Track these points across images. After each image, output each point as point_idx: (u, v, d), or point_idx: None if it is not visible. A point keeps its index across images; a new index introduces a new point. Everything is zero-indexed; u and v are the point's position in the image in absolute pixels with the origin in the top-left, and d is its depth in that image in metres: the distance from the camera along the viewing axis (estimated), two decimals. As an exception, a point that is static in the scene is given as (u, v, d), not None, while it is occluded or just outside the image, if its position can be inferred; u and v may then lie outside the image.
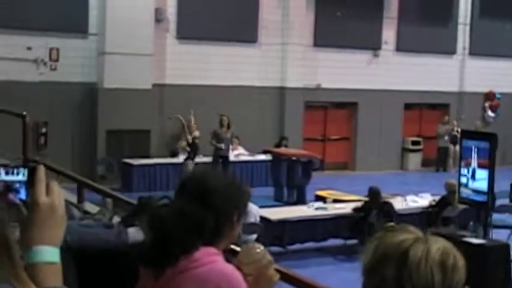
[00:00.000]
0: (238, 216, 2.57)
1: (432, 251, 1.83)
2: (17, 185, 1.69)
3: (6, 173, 1.69)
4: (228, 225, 2.54)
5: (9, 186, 1.68)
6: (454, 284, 1.84)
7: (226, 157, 17.96)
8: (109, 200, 6.04)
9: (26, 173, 1.69)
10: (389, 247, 1.86)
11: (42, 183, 1.67)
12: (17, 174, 1.69)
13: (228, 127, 18.15)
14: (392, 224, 1.96)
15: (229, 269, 2.45)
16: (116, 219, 4.03)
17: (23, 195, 1.68)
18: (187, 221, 2.44)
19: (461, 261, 1.87)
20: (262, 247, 2.73)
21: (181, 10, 20.03)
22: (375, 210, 12.46)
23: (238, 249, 2.88)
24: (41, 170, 1.69)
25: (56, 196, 1.68)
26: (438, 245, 1.86)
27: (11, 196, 1.69)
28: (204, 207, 2.48)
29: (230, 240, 2.60)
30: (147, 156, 18.68)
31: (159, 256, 2.44)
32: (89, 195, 7.07)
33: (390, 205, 12.91)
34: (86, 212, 4.84)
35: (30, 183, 1.67)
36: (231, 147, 18.59)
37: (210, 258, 2.42)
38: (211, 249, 2.46)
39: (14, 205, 1.68)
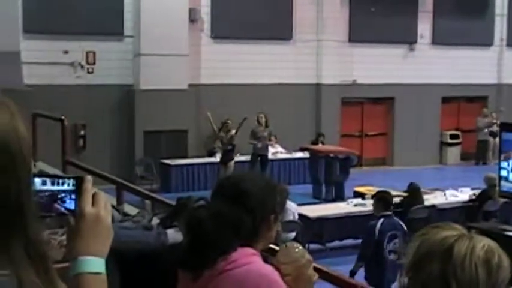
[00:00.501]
0: (275, 217, 2.57)
1: (477, 248, 1.84)
2: (63, 195, 1.70)
3: (52, 183, 1.70)
4: (265, 226, 2.54)
5: (55, 196, 1.70)
6: (498, 283, 1.83)
7: (265, 155, 17.95)
8: (148, 202, 6.08)
9: (72, 183, 1.70)
10: (434, 243, 1.86)
11: (88, 193, 1.68)
12: (63, 184, 1.70)
13: (266, 125, 18.13)
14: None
15: (268, 269, 2.45)
16: (155, 221, 4.06)
17: (70, 205, 1.69)
18: (224, 223, 2.46)
19: (506, 261, 1.86)
20: (300, 246, 2.73)
21: (215, 10, 20.09)
22: (416, 205, 12.37)
23: (277, 248, 2.88)
24: (88, 181, 1.70)
25: (102, 207, 1.68)
26: (483, 242, 1.86)
27: (57, 206, 1.70)
28: (240, 208, 2.49)
29: (268, 241, 2.60)
30: (185, 156, 18.77)
31: (196, 258, 2.46)
32: (128, 197, 7.13)
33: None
34: (125, 214, 4.87)
35: (78, 194, 1.69)
36: (269, 145, 18.55)
37: (247, 259, 2.43)
38: (249, 250, 2.47)
39: (61, 215, 1.69)
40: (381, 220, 8.88)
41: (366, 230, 9.10)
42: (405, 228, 9.06)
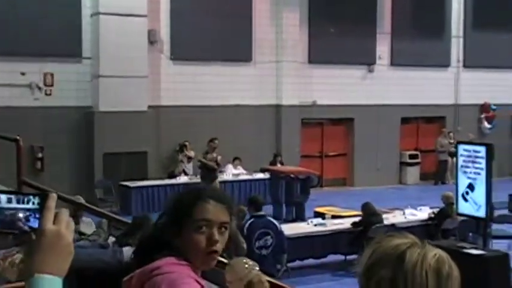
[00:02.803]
0: (196, 226, 2.50)
1: (428, 257, 1.84)
2: (28, 213, 1.68)
3: (18, 201, 1.68)
4: (185, 235, 2.50)
5: (18, 214, 1.68)
6: None
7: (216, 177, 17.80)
8: (104, 221, 6.02)
9: (37, 202, 1.68)
10: (387, 250, 1.87)
11: (50, 211, 1.65)
12: (28, 202, 1.69)
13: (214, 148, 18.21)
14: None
15: (180, 278, 2.39)
16: (111, 239, 4.02)
17: (34, 223, 1.67)
18: (153, 233, 2.56)
19: (456, 271, 1.88)
20: (250, 262, 2.66)
21: (174, 31, 20.09)
22: (375, 224, 12.44)
23: (226, 261, 2.80)
24: (51, 199, 1.68)
25: (64, 225, 1.65)
26: (434, 252, 1.87)
27: (20, 224, 1.67)
28: (166, 218, 2.56)
29: (198, 251, 2.50)
30: (145, 178, 18.65)
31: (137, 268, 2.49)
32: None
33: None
34: (81, 233, 4.83)
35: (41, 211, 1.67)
36: (225, 167, 18.64)
37: (169, 268, 2.40)
38: (175, 259, 2.44)
39: (24, 233, 1.67)
40: (251, 220, 10.13)
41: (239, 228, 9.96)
42: (279, 226, 10.56)
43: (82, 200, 7.69)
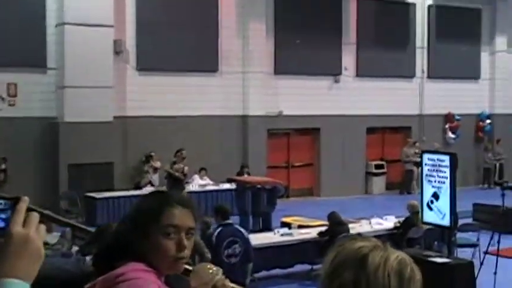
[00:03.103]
0: (164, 231, 2.48)
1: (390, 259, 1.84)
2: None
3: None
4: (152, 240, 2.47)
5: None
6: None
7: (183, 188, 17.77)
8: (68, 230, 5.96)
9: (5, 203, 1.66)
10: (349, 253, 1.87)
11: (19, 214, 1.62)
12: None
13: (183, 159, 18.22)
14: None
15: (145, 284, 2.36)
16: (75, 249, 3.98)
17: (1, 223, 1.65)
18: (114, 240, 2.50)
19: (418, 274, 1.87)
20: (214, 267, 2.65)
21: (140, 42, 20.04)
22: (341, 233, 12.47)
23: (190, 268, 2.79)
24: (23, 201, 1.65)
25: (33, 228, 1.62)
26: (397, 254, 1.88)
27: None
28: (131, 224, 2.52)
29: (167, 257, 2.48)
30: (111, 189, 18.52)
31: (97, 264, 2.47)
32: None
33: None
34: (45, 243, 4.76)
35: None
36: (191, 178, 18.63)
37: (136, 274, 2.38)
38: (140, 266, 2.41)
39: None
40: (219, 229, 10.05)
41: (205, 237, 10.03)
42: (246, 235, 10.45)
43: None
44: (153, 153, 19.36)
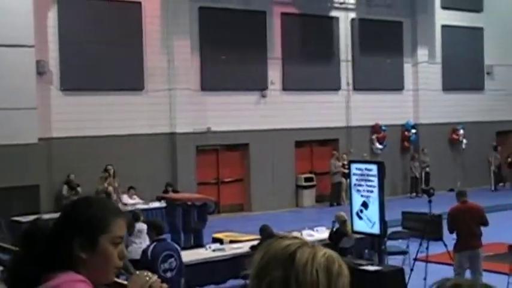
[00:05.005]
0: (113, 242, 2.45)
1: (318, 256, 1.86)
2: None
3: None
4: (99, 250, 2.42)
5: None
6: None
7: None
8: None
9: None
10: (277, 251, 1.88)
11: None
12: None
13: (114, 176, 18.07)
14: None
15: None
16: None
17: None
18: (45, 250, 2.42)
19: (346, 270, 1.90)
20: (151, 274, 2.64)
21: (63, 62, 19.74)
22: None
23: (125, 283, 2.75)
24: None
25: None
26: (324, 251, 1.90)
27: None
28: (60, 229, 2.45)
29: (111, 267, 2.46)
30: (37, 212, 18.08)
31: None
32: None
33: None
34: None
35: None
36: (122, 197, 18.45)
37: (70, 286, 2.30)
38: (75, 276, 2.35)
39: None
40: (153, 244, 10.02)
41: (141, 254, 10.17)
42: (179, 248, 10.65)
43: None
44: (72, 176, 19.10)
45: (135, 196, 19.69)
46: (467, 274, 11.33)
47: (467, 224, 11.18)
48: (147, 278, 2.60)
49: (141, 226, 12.41)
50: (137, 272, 2.70)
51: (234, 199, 23.49)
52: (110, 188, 17.62)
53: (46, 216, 17.61)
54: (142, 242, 11.98)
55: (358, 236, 12.70)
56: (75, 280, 2.33)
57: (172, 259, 10.07)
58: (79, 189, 18.93)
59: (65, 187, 19.21)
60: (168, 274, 9.94)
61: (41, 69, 19.15)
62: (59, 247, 2.40)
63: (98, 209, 2.50)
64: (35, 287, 2.33)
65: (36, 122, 18.69)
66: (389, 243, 13.69)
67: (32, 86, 18.59)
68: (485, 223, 11.39)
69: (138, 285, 2.57)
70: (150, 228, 10.53)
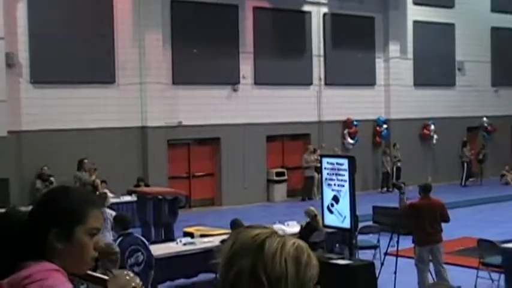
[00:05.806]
0: (89, 233, 2.43)
1: (287, 245, 1.87)
2: None
3: None
4: (75, 241, 2.39)
5: None
6: (307, 279, 1.86)
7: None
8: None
9: None
10: (246, 240, 1.88)
11: None
12: None
13: (94, 170, 17.99)
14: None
15: (57, 285, 2.28)
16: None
17: None
18: (20, 239, 2.37)
19: (314, 260, 1.90)
20: (131, 274, 2.63)
21: (33, 54, 19.53)
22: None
23: (105, 277, 2.72)
24: None
25: None
26: (293, 241, 1.90)
27: None
28: (35, 217, 2.41)
29: (77, 259, 2.42)
30: (6, 206, 17.92)
31: None
32: None
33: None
34: None
35: None
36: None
37: (43, 274, 2.27)
38: (48, 265, 2.31)
39: None
40: (120, 238, 9.84)
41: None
42: (146, 243, 10.39)
43: None
44: (46, 167, 18.91)
45: (106, 190, 19.54)
46: (430, 267, 11.42)
47: (429, 219, 11.24)
48: (127, 278, 2.59)
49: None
50: (115, 272, 2.68)
51: (205, 193, 23.44)
52: (97, 181, 17.51)
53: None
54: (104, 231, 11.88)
55: (329, 230, 12.73)
56: (49, 269, 2.30)
57: (139, 253, 9.98)
58: (52, 179, 18.72)
59: (38, 181, 19.02)
60: (135, 268, 9.79)
61: (10, 61, 18.94)
62: (34, 236, 2.36)
63: (74, 199, 2.46)
64: (8, 276, 2.28)
65: (6, 115, 18.50)
66: (360, 237, 13.76)
67: (1, 79, 18.43)
68: (447, 219, 11.45)
69: (119, 285, 2.55)
70: (116, 222, 10.40)
